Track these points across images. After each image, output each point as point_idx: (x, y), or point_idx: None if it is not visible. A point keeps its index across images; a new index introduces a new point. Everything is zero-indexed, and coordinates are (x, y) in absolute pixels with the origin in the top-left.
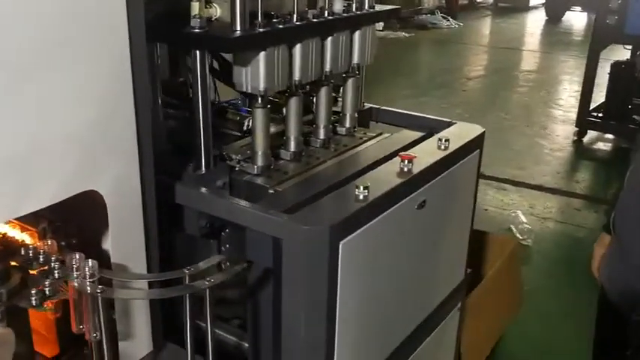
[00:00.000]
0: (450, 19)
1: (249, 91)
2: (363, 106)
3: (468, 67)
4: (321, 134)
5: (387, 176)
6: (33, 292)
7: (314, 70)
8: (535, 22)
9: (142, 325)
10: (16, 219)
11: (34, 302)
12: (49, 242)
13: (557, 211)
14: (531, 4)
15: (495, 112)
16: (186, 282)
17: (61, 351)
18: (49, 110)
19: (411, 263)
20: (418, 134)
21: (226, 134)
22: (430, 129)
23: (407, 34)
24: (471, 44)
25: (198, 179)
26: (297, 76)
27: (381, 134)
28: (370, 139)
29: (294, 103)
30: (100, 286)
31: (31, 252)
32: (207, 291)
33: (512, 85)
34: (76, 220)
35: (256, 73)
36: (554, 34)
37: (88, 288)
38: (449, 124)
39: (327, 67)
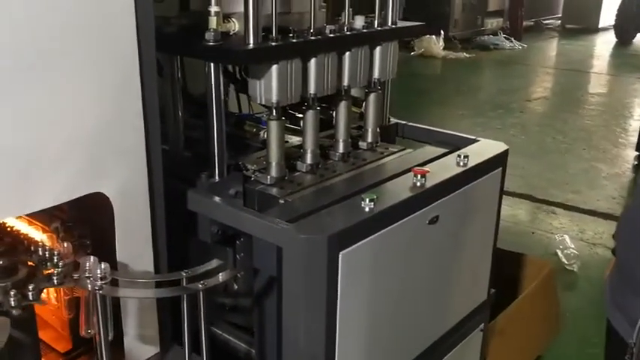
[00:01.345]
0: (514, 41)
1: (263, 102)
2: (389, 121)
3: (529, 88)
4: (340, 148)
5: (398, 190)
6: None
7: (330, 84)
8: (604, 44)
9: (149, 327)
10: (30, 217)
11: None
12: (54, 237)
13: (608, 237)
14: (601, 25)
15: (552, 135)
16: (184, 284)
17: (73, 347)
18: (57, 113)
19: (422, 279)
20: (441, 150)
21: (249, 145)
22: (455, 145)
23: (468, 55)
24: (533, 66)
25: (211, 187)
26: (312, 89)
27: (403, 149)
28: (391, 154)
29: (310, 117)
30: (98, 283)
31: (40, 249)
32: (202, 293)
33: (573, 107)
34: (86, 221)
35: (269, 86)
36: (622, 56)
37: (89, 286)
38: (473, 141)
39: (345, 82)
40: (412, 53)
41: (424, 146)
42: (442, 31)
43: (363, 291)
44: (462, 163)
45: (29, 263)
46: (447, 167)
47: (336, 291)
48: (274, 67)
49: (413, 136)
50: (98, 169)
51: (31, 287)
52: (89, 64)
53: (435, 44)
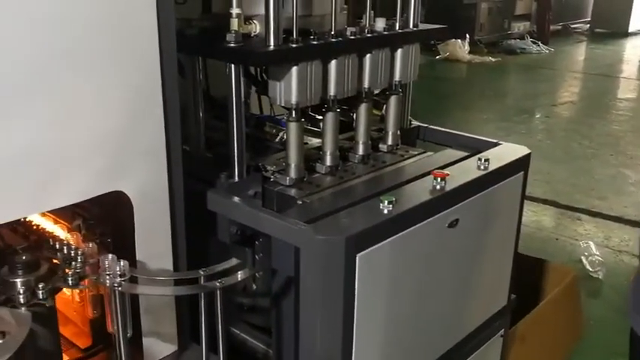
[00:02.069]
0: (541, 45)
1: (283, 104)
2: (410, 124)
3: (555, 93)
4: (360, 150)
5: (417, 192)
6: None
7: (350, 86)
8: (634, 48)
9: (168, 325)
10: (52, 215)
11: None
12: (77, 236)
13: (635, 244)
14: (630, 30)
15: (579, 140)
16: (202, 282)
17: (93, 343)
18: (80, 113)
19: (441, 282)
20: (462, 154)
21: (268, 146)
22: (476, 149)
23: (493, 59)
24: (560, 70)
25: (231, 187)
26: (332, 91)
27: (423, 152)
28: (411, 156)
29: (330, 119)
30: (117, 280)
31: (62, 246)
32: (219, 292)
33: (600, 112)
34: (107, 219)
35: (289, 87)
36: None
37: (108, 282)
38: (495, 145)
39: (366, 84)
40: (437, 57)
41: (445, 149)
42: (467, 35)
43: (380, 293)
44: (482, 167)
45: (50, 259)
46: (467, 170)
47: (354, 293)
48: (294, 69)
49: (434, 139)
50: (119, 168)
51: (54, 282)
52: (112, 66)
53: (460, 48)
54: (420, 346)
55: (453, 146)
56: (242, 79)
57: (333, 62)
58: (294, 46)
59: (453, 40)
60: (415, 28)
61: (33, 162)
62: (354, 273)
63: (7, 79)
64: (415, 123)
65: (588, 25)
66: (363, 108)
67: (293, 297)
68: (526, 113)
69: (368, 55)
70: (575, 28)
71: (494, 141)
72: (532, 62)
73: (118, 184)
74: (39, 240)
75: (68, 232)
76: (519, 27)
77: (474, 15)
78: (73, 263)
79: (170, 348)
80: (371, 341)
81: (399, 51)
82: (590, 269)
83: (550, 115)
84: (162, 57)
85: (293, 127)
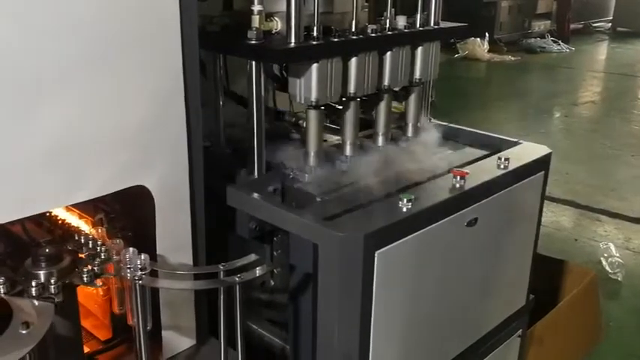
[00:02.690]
0: (561, 44)
1: (302, 101)
2: (429, 122)
3: (576, 92)
4: (380, 142)
5: (436, 190)
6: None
7: (370, 83)
8: None
9: (187, 319)
10: (75, 208)
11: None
12: (97, 227)
13: None
14: None
15: (599, 140)
16: (221, 277)
17: (113, 336)
18: (104, 109)
19: (459, 281)
20: (482, 152)
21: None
22: (496, 148)
23: (513, 58)
24: (581, 69)
25: (250, 184)
26: (352, 89)
27: (443, 151)
28: (431, 154)
29: (352, 108)
30: (137, 274)
31: (85, 239)
32: (238, 287)
33: (621, 112)
34: (128, 213)
35: (309, 85)
36: None
37: (128, 275)
38: (515, 144)
39: (386, 81)
40: (456, 55)
41: (464, 148)
42: (487, 34)
43: (398, 291)
44: (502, 166)
45: (74, 253)
46: (487, 169)
47: (372, 290)
48: (314, 66)
49: (453, 137)
50: (141, 163)
51: (78, 273)
52: (136, 63)
53: (480, 47)
54: (436, 345)
55: (473, 145)
56: (262, 76)
57: (354, 60)
58: (314, 43)
59: (473, 38)
60: (436, 26)
61: (60, 156)
62: (373, 270)
63: (38, 75)
64: (434, 122)
65: (610, 24)
66: (383, 104)
67: (310, 293)
68: (545, 113)
69: (388, 53)
70: (596, 26)
71: (515, 140)
72: (552, 61)
73: (140, 178)
74: (59, 232)
75: (92, 227)
76: (540, 26)
77: (494, 13)
78: (96, 260)
79: (189, 342)
80: (388, 338)
81: (420, 49)
82: (610, 271)
83: (570, 115)
84: (184, 54)
85: (313, 114)
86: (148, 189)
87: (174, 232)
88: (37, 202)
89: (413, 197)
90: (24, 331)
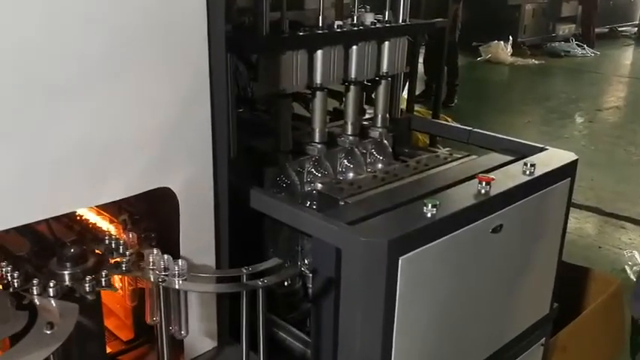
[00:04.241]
0: (586, 48)
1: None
2: (401, 114)
3: (600, 97)
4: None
5: (461, 196)
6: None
7: (336, 74)
8: None
9: (209, 321)
10: (100, 209)
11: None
12: (122, 229)
13: None
14: None
15: (624, 146)
16: (244, 281)
17: (135, 336)
18: (130, 111)
19: (483, 288)
20: (507, 158)
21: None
22: (521, 154)
23: (537, 62)
24: (606, 74)
25: (274, 186)
26: (318, 79)
27: (468, 156)
28: (455, 160)
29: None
30: (161, 275)
31: (109, 239)
32: (261, 290)
33: None
34: (152, 214)
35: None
36: None
37: (151, 277)
38: (541, 150)
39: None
40: (479, 59)
41: (490, 153)
42: (510, 37)
43: (421, 297)
44: (528, 172)
45: (98, 252)
46: (512, 175)
47: (395, 296)
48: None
49: (478, 142)
50: (166, 165)
51: (104, 274)
52: (162, 64)
53: (503, 50)
54: (459, 352)
55: (498, 150)
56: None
57: (319, 52)
58: (283, 36)
59: (496, 41)
60: (403, 24)
61: (86, 157)
62: (396, 276)
63: (64, 76)
64: (461, 126)
65: (636, 29)
66: (351, 94)
67: (333, 298)
68: (569, 118)
69: (354, 47)
70: (622, 31)
71: (541, 146)
72: (576, 65)
73: (165, 180)
74: (84, 232)
75: (117, 228)
76: (564, 29)
77: (518, 17)
78: (122, 262)
79: (210, 344)
80: (410, 345)
81: (386, 44)
82: (634, 279)
83: (594, 120)
84: (210, 54)
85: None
86: (173, 191)
87: (197, 233)
88: (63, 203)
89: (438, 203)
90: (48, 332)
